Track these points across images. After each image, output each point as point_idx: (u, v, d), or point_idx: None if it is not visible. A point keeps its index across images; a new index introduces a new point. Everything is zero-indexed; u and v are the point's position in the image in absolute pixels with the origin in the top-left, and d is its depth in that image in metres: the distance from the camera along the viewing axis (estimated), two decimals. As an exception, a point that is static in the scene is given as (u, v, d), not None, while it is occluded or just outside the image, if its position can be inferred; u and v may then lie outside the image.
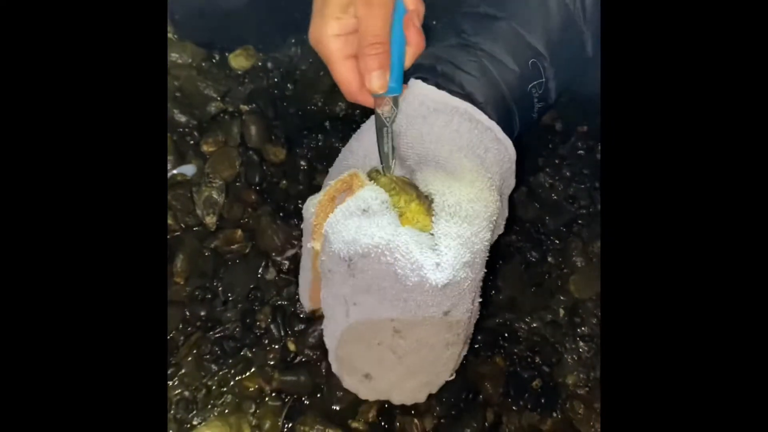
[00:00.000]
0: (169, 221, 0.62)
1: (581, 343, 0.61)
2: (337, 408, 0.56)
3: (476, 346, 0.59)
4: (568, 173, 0.68)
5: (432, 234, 0.45)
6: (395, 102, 0.49)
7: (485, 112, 0.48)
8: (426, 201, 0.47)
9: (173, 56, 0.71)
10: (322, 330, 0.53)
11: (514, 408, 0.57)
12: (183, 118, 0.67)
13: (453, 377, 0.52)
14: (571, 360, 0.60)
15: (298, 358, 0.58)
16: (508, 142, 0.48)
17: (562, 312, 0.62)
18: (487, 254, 0.47)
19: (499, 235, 0.64)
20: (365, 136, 0.52)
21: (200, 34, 0.71)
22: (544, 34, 0.48)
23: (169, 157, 0.65)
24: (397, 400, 0.53)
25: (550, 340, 0.61)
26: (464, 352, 0.53)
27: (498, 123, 0.48)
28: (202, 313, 0.59)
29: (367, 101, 0.50)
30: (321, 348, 0.56)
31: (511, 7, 0.49)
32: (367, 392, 0.53)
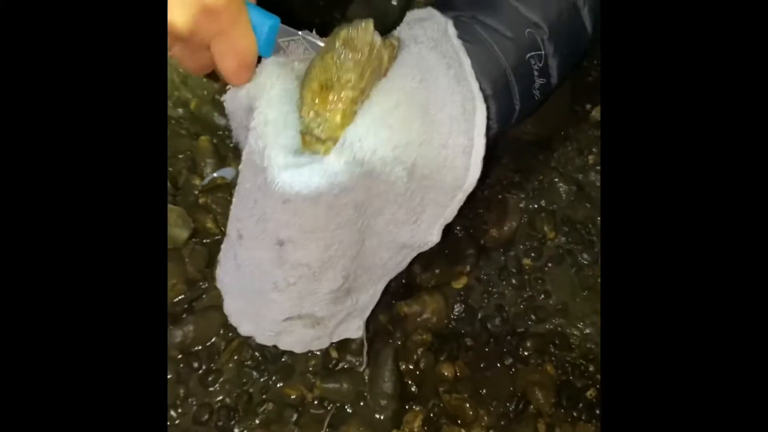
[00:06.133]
0: (209, 225, 0.61)
1: (638, 351, 0.57)
2: (381, 417, 0.54)
3: (525, 353, 0.57)
4: (620, 171, 0.65)
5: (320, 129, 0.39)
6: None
7: (478, 81, 0.43)
8: (357, 95, 0.39)
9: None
10: None
11: (567, 420, 0.54)
12: (223, 121, 0.67)
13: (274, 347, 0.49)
14: (627, 368, 0.57)
15: (341, 365, 0.56)
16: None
17: (616, 317, 0.59)
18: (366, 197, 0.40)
19: (548, 237, 0.62)
20: None
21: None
22: (540, 9, 0.45)
23: (209, 160, 0.65)
24: (230, 316, 0.50)
25: (605, 347, 0.58)
26: (320, 336, 0.49)
27: (495, 95, 0.44)
28: (243, 318, 0.58)
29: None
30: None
31: None
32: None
